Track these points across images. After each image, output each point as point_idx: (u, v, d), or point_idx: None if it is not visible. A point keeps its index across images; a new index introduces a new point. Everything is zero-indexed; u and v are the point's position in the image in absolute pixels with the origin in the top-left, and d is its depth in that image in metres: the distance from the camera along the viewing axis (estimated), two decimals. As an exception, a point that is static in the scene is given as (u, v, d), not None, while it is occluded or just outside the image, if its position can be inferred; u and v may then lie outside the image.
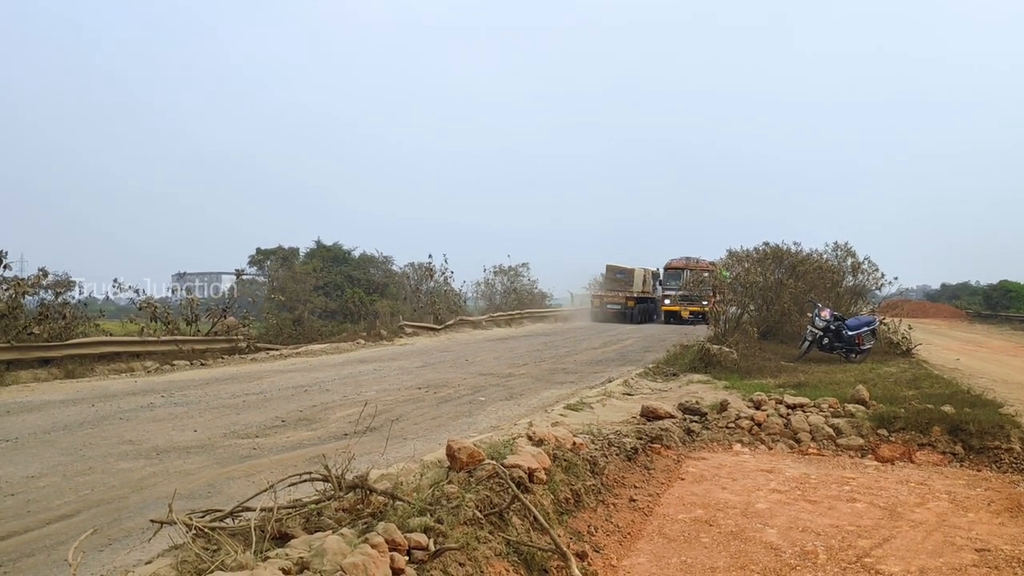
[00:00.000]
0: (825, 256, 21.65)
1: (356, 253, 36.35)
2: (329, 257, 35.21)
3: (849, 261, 21.78)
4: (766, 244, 21.00)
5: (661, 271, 38.36)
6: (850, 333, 15.87)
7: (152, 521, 4.20)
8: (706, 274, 31.85)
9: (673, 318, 35.75)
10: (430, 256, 32.26)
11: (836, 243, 22.05)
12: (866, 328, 16.09)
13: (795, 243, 21.14)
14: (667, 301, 36.32)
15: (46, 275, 16.43)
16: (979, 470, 7.66)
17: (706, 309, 31.40)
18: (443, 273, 32.13)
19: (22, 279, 15.60)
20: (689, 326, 31.94)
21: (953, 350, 20.68)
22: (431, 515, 4.18)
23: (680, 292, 35.18)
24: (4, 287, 15.06)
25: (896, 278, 24.78)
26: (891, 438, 8.29)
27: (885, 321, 17.98)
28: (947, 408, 8.55)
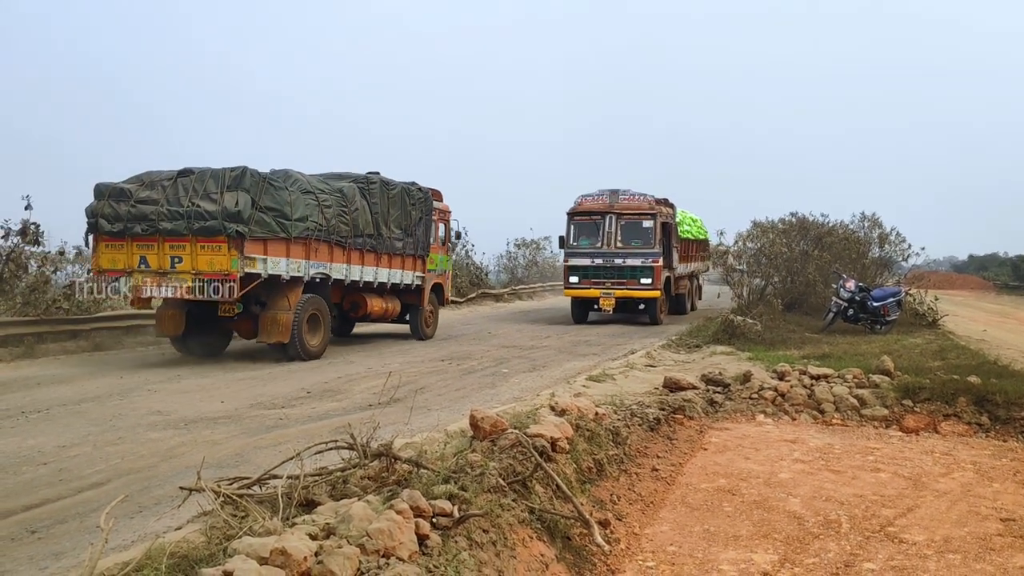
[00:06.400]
0: (851, 227, 21.43)
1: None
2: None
3: (876, 232, 21.55)
4: (792, 215, 20.78)
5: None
6: (875, 304, 15.72)
7: (181, 488, 4.28)
8: (647, 223, 18.99)
9: (588, 308, 20.33)
10: None
11: (863, 214, 21.81)
12: (891, 299, 15.93)
13: (822, 214, 20.86)
14: (574, 279, 19.63)
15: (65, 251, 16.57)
16: (1005, 440, 7.61)
17: (654, 294, 18.97)
18: (464, 246, 32.14)
19: (49, 253, 15.78)
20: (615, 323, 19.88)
21: (980, 322, 20.43)
22: (455, 483, 4.22)
23: (600, 260, 19.20)
24: (34, 262, 15.29)
25: (923, 249, 24.44)
26: (916, 409, 8.23)
27: (911, 292, 17.79)
28: (973, 379, 8.46)
